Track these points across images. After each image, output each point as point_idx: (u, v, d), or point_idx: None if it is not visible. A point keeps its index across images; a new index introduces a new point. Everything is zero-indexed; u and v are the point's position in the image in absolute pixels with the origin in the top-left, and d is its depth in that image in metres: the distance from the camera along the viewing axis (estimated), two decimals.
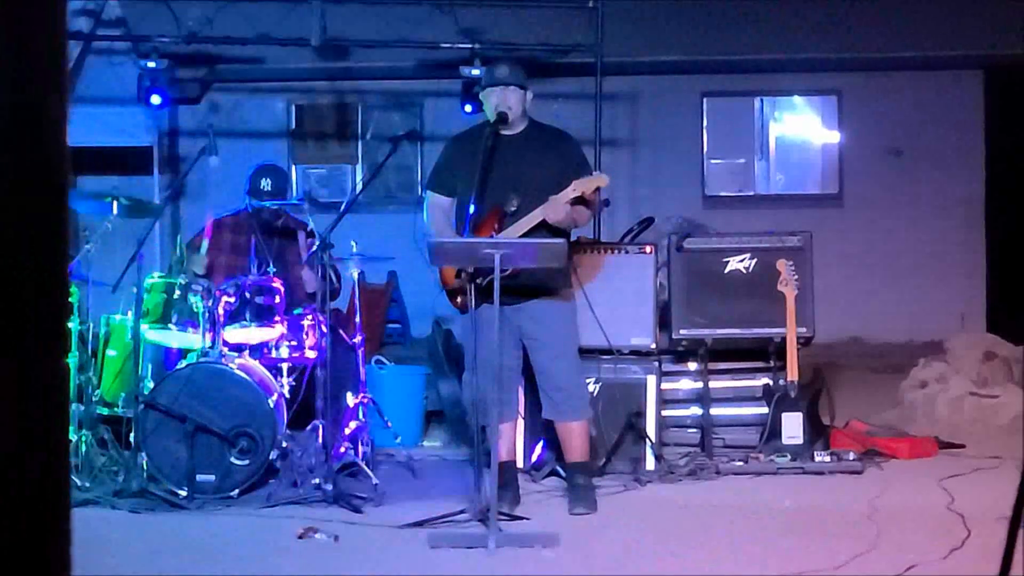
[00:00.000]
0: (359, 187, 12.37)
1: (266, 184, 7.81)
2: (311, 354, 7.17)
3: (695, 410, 7.97)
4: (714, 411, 7.88)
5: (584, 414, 6.76)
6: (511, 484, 6.66)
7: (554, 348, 6.62)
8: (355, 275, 7.59)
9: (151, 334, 7.09)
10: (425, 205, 6.82)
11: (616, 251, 7.89)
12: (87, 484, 6.70)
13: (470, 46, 11.40)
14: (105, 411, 7.23)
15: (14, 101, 1.80)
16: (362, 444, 7.22)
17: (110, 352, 7.36)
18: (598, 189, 6.51)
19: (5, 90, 1.79)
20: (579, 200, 6.40)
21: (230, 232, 7.83)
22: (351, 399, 7.32)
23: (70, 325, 6.81)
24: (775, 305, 7.68)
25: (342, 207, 7.39)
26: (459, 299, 6.51)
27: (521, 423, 7.22)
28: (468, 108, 11.42)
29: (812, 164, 15.33)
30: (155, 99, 11.68)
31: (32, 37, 1.81)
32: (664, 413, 7.77)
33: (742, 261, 7.93)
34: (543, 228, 6.38)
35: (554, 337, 6.61)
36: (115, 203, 6.92)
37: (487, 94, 6.66)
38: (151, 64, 11.34)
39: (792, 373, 7.55)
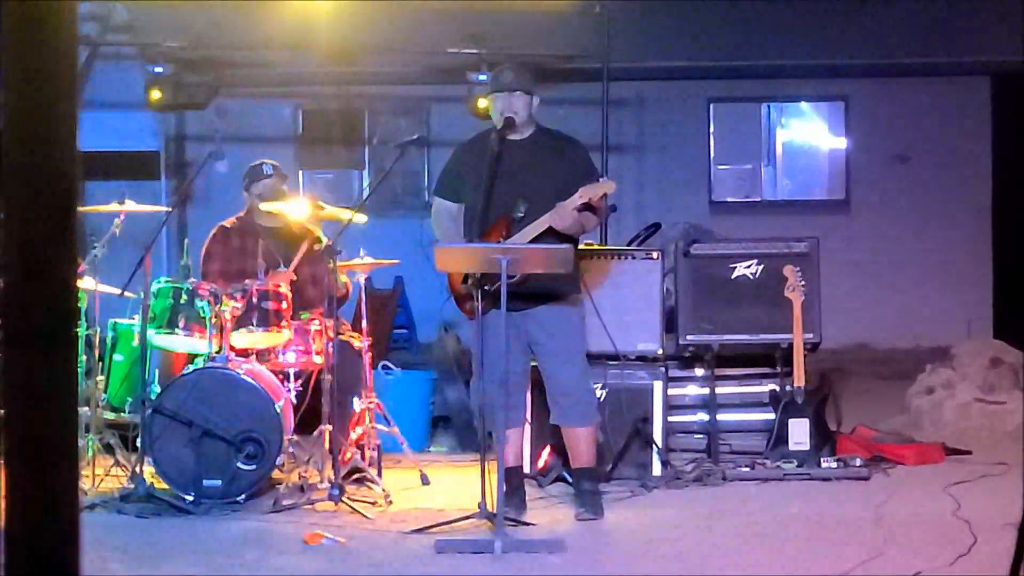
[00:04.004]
0: (366, 192, 12.38)
1: (267, 168, 7.84)
2: (318, 359, 7.17)
3: (702, 416, 7.98)
4: (721, 417, 7.89)
5: (591, 420, 6.76)
6: (518, 489, 6.65)
7: (562, 354, 6.62)
8: (362, 280, 7.60)
9: (158, 339, 7.10)
10: (433, 211, 6.83)
11: (623, 257, 7.89)
12: (94, 489, 6.71)
13: (477, 52, 11.41)
14: (112, 416, 7.25)
15: (26, 106, 1.81)
16: (369, 449, 7.22)
17: (117, 357, 7.37)
18: (605, 195, 6.50)
19: (17, 95, 1.80)
20: (586, 206, 6.39)
21: (238, 236, 7.84)
22: (358, 404, 7.33)
23: (78, 330, 6.82)
24: (782, 311, 7.68)
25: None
26: (467, 305, 6.51)
27: (528, 428, 7.22)
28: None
29: (819, 170, 15.32)
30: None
31: (43, 42, 1.82)
32: (670, 419, 7.77)
33: (749, 267, 7.93)
34: (550, 234, 6.38)
35: (562, 343, 6.61)
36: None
37: (492, 99, 6.66)
38: (158, 69, 11.35)
39: (799, 379, 7.55)
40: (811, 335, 7.77)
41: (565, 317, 6.63)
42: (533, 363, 6.77)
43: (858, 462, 7.45)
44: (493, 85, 6.73)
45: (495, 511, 5.82)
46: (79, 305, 6.94)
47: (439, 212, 6.75)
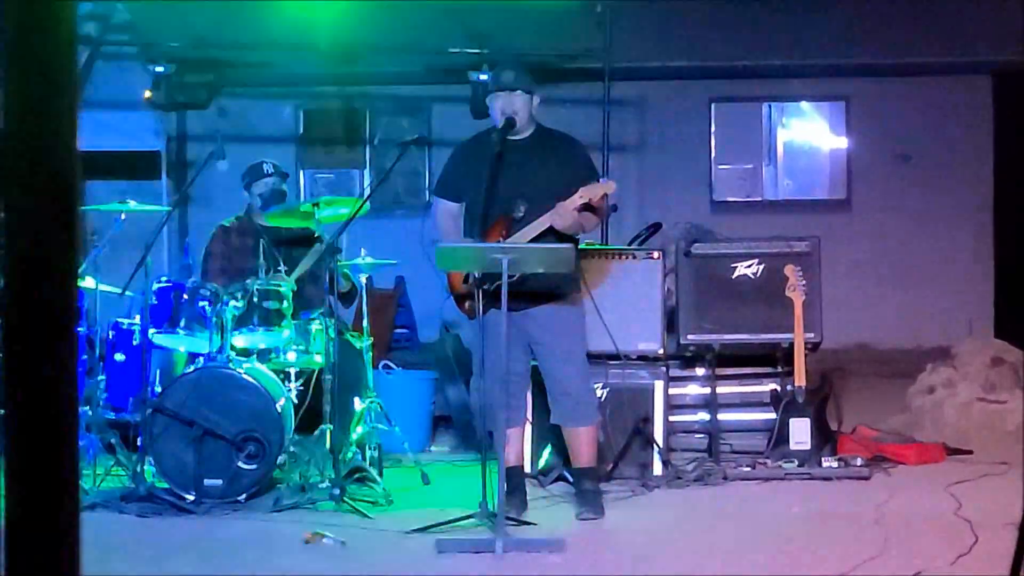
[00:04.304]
0: (367, 192, 12.38)
1: (268, 167, 7.85)
2: (319, 359, 7.17)
3: (702, 415, 7.97)
4: (722, 416, 7.88)
5: (592, 419, 6.76)
6: (518, 489, 6.66)
7: (562, 353, 6.62)
8: (363, 280, 7.60)
9: (159, 338, 7.10)
10: (433, 210, 6.83)
11: (624, 256, 7.90)
12: (95, 488, 6.72)
13: (478, 51, 11.41)
14: (112, 415, 7.25)
15: (26, 105, 1.81)
16: (369, 449, 7.22)
17: (118, 356, 7.37)
18: (605, 195, 6.51)
19: (17, 94, 1.80)
20: (587, 206, 6.39)
21: (238, 235, 7.84)
22: (359, 404, 7.33)
23: (79, 329, 6.82)
24: (783, 310, 7.68)
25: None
26: (467, 304, 6.52)
27: (529, 428, 7.22)
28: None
29: (820, 170, 15.31)
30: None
31: (43, 41, 1.82)
32: (671, 418, 7.76)
33: (750, 266, 7.92)
34: (551, 234, 6.38)
35: (562, 342, 6.61)
36: None
37: (493, 99, 6.66)
38: (159, 68, 11.35)
39: (800, 378, 7.55)
40: (812, 335, 7.76)
41: (565, 316, 6.63)
42: (534, 362, 6.78)
43: (859, 462, 7.45)
44: (493, 84, 6.73)
45: (496, 511, 5.82)
46: (80, 304, 6.94)
47: (439, 212, 6.75)
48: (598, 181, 6.52)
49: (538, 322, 6.55)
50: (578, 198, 6.32)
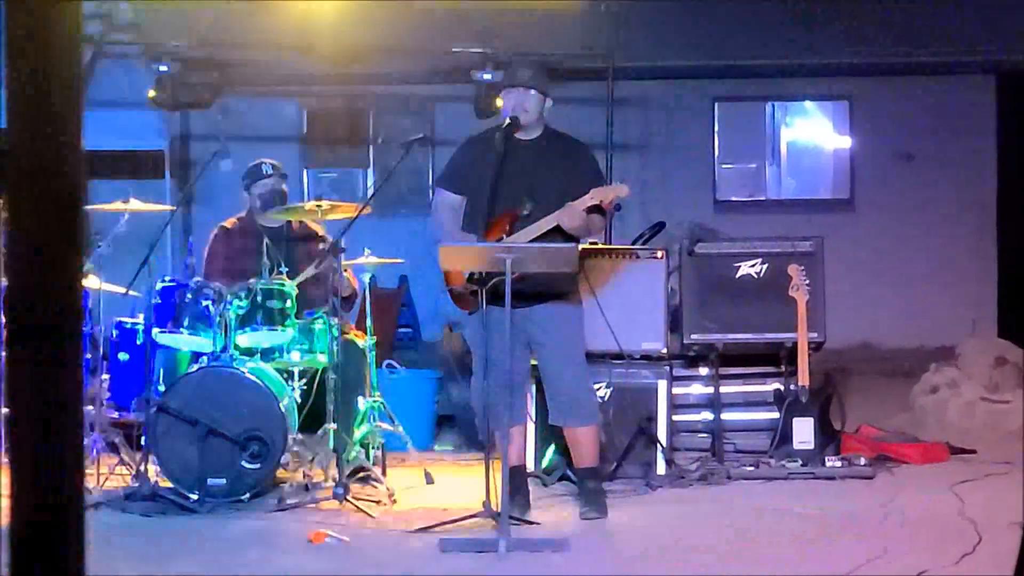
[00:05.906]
0: (371, 192, 12.39)
1: (267, 168, 7.85)
2: (322, 358, 7.17)
3: (706, 415, 7.97)
4: (725, 416, 7.88)
5: (591, 419, 6.74)
6: (521, 488, 6.65)
7: (561, 353, 6.61)
8: (367, 279, 7.60)
9: (162, 338, 7.10)
10: (435, 202, 6.83)
11: (627, 256, 7.90)
12: (98, 488, 6.72)
13: (482, 50, 11.41)
14: (116, 415, 7.25)
15: (30, 105, 1.81)
16: (373, 448, 7.23)
17: (121, 355, 7.38)
18: (614, 198, 6.51)
19: (22, 94, 1.80)
20: (594, 208, 6.40)
21: (239, 236, 7.84)
22: (362, 403, 7.33)
23: (82, 328, 6.82)
24: (786, 310, 7.67)
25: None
26: (462, 300, 6.52)
27: (532, 427, 7.21)
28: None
29: (823, 169, 15.31)
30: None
31: (47, 41, 1.82)
32: (675, 418, 7.76)
33: (753, 266, 7.92)
34: (555, 233, 6.37)
35: (561, 342, 6.60)
36: None
37: (506, 94, 6.67)
38: (163, 68, 11.36)
39: (803, 378, 7.55)
40: (815, 334, 7.76)
41: (564, 316, 6.62)
42: (533, 362, 6.77)
43: (862, 461, 7.45)
44: (508, 80, 6.75)
45: (499, 510, 5.82)
46: (84, 303, 6.94)
47: (441, 203, 6.73)
48: (606, 185, 6.54)
49: (538, 321, 6.54)
50: (589, 198, 6.33)
